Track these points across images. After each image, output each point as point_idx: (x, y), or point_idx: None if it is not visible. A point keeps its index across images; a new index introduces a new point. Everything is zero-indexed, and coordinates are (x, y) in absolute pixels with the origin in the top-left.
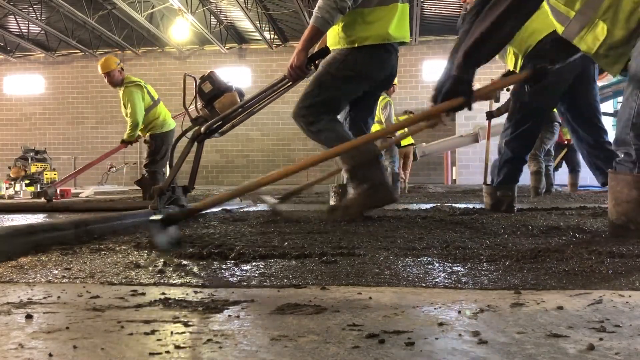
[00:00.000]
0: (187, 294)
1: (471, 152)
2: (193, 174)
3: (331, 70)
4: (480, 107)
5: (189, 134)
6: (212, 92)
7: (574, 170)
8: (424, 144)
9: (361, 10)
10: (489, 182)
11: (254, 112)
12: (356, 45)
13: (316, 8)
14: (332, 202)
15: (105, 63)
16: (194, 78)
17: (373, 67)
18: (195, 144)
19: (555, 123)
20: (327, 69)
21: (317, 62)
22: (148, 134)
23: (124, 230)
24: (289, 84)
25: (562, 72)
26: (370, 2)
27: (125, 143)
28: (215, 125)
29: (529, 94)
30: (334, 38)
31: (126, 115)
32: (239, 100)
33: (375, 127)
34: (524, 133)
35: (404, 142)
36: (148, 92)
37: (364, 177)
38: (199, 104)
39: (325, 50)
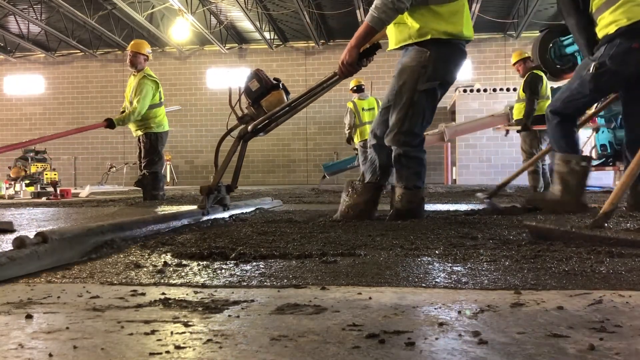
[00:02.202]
0: (187, 294)
1: (471, 152)
2: (236, 173)
3: (418, 87)
4: (480, 108)
5: (235, 133)
6: (259, 90)
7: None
8: None
9: (430, 7)
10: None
11: (299, 111)
12: (429, 37)
13: (373, 7)
14: (344, 199)
15: (140, 44)
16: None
17: (449, 71)
18: (241, 142)
19: None
20: (412, 85)
21: (366, 59)
22: (142, 133)
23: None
24: (336, 79)
25: (627, 61)
26: None
27: (107, 124)
28: (261, 124)
29: (591, 75)
30: (401, 34)
31: (130, 104)
32: (285, 98)
33: None
34: (572, 101)
35: None
36: (159, 93)
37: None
38: (245, 103)
39: (376, 47)
